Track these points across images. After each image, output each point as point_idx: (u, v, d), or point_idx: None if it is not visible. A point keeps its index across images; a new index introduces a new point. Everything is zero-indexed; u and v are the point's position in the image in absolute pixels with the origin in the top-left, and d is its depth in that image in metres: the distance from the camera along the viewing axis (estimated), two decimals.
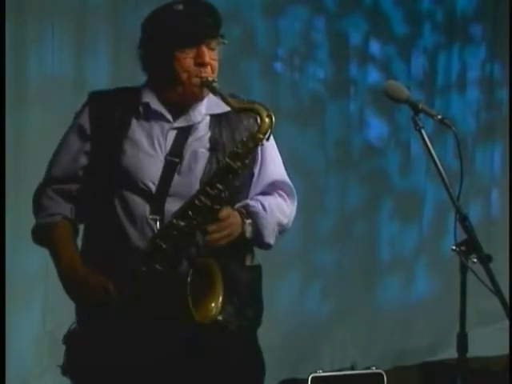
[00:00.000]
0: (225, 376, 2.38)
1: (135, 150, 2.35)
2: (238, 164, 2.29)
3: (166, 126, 2.38)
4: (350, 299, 4.88)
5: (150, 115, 2.39)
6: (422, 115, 2.35)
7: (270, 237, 2.43)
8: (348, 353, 4.75)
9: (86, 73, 3.91)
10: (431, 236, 5.23)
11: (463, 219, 2.27)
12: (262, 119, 2.29)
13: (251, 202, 2.41)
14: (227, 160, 2.29)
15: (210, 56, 2.36)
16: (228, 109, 2.37)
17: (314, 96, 4.83)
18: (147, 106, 2.39)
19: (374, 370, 3.97)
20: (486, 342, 4.33)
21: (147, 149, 2.35)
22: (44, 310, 3.71)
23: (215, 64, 2.38)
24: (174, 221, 2.28)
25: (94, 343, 2.35)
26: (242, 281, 2.39)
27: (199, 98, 2.39)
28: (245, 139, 2.31)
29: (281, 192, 2.50)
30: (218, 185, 2.28)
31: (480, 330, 4.53)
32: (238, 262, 2.40)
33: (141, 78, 3.98)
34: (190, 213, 2.27)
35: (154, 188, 2.33)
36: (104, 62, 3.97)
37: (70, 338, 2.40)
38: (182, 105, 2.40)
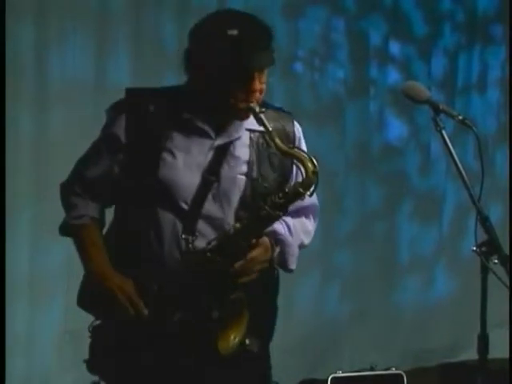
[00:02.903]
0: None
1: (172, 166, 2.29)
2: (278, 213, 2.26)
3: (207, 142, 2.32)
4: (369, 300, 4.87)
5: (193, 131, 2.32)
6: (442, 116, 2.34)
7: (294, 263, 2.47)
8: (368, 353, 4.74)
9: (107, 74, 3.93)
10: (451, 237, 5.21)
11: (484, 220, 2.26)
12: (307, 174, 2.24)
13: (278, 228, 2.39)
14: (267, 209, 2.25)
15: (260, 80, 2.28)
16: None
17: (333, 96, 4.83)
18: (190, 121, 2.32)
19: (393, 370, 3.96)
20: (507, 344, 4.30)
21: (185, 166, 2.29)
22: (65, 309, 3.72)
23: (264, 87, 2.30)
24: (208, 254, 2.27)
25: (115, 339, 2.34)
26: (265, 306, 2.42)
27: (243, 119, 2.34)
28: (287, 190, 2.26)
29: (309, 214, 2.51)
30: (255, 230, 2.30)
31: (500, 331, 4.50)
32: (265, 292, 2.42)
33: (161, 79, 4.01)
34: (225, 250, 2.26)
35: (186, 207, 2.28)
36: (125, 63, 3.98)
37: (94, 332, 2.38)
38: (224, 122, 2.34)
